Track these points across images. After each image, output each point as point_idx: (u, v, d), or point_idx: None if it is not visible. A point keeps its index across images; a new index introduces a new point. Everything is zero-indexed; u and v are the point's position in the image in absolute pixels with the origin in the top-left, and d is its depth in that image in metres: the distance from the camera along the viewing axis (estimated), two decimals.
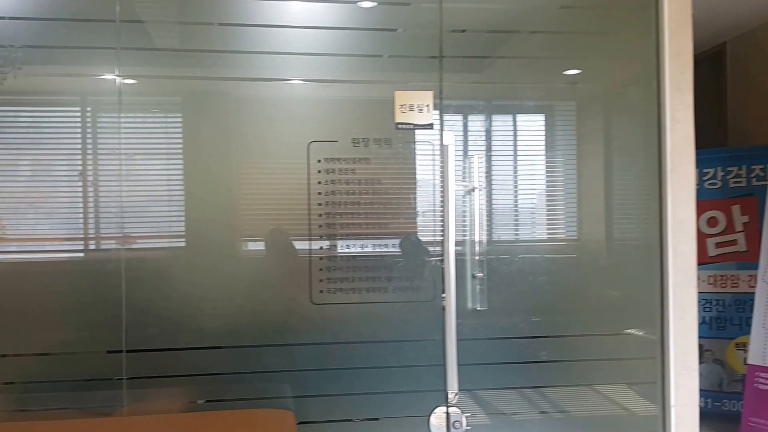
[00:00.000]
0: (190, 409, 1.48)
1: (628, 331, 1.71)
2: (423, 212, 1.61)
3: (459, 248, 1.62)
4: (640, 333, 1.70)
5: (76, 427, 1.40)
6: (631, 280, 1.71)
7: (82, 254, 1.50)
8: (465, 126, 1.67)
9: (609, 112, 1.75)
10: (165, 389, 1.49)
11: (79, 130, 1.49)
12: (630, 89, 1.73)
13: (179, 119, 1.55)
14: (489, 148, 1.66)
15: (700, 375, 1.75)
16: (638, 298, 1.70)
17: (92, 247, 1.50)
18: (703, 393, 2.10)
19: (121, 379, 1.47)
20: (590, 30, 1.71)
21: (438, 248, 1.60)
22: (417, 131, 1.60)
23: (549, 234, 1.71)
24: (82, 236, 1.49)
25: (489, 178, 1.65)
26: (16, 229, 1.45)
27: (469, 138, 1.66)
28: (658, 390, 1.69)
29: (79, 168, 1.46)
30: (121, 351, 1.47)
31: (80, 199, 1.46)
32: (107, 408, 1.46)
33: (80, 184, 1.46)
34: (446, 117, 1.61)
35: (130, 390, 1.47)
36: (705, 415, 1.85)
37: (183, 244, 1.52)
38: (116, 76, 1.48)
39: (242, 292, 1.54)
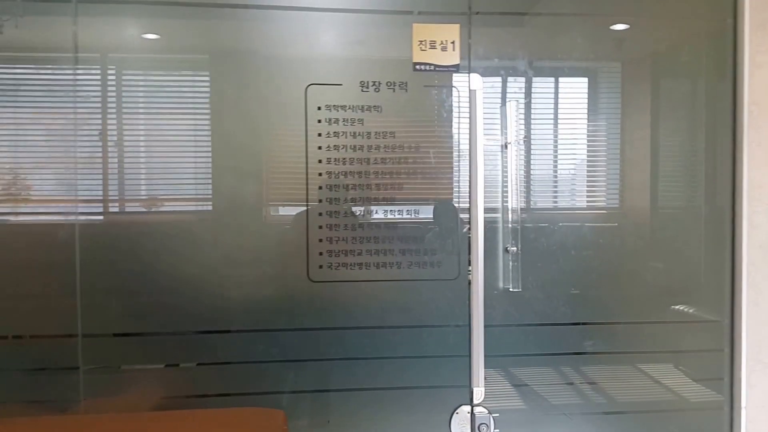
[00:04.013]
0: (160, 405, 1.24)
1: (689, 315, 1.43)
2: (445, 171, 1.32)
3: (489, 215, 1.34)
4: (704, 320, 1.43)
5: (38, 425, 1.17)
6: (694, 258, 1.44)
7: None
8: (496, 70, 1.37)
9: (671, 53, 1.44)
10: (131, 382, 1.25)
11: (92, 87, 1.26)
12: (700, 25, 1.42)
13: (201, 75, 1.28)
14: (528, 94, 1.37)
15: None
16: (703, 278, 1.44)
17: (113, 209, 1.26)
18: None
19: (78, 368, 1.23)
20: None
21: (464, 215, 1.32)
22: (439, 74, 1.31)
23: (594, 201, 1.42)
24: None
25: (528, 131, 1.36)
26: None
27: (507, 85, 1.36)
28: (726, 388, 1.43)
29: (99, 128, 1.26)
30: (76, 335, 1.23)
31: (100, 161, 1.27)
32: (62, 403, 1.22)
33: (100, 144, 1.26)
34: (474, 60, 1.32)
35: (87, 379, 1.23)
36: None
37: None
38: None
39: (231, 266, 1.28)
